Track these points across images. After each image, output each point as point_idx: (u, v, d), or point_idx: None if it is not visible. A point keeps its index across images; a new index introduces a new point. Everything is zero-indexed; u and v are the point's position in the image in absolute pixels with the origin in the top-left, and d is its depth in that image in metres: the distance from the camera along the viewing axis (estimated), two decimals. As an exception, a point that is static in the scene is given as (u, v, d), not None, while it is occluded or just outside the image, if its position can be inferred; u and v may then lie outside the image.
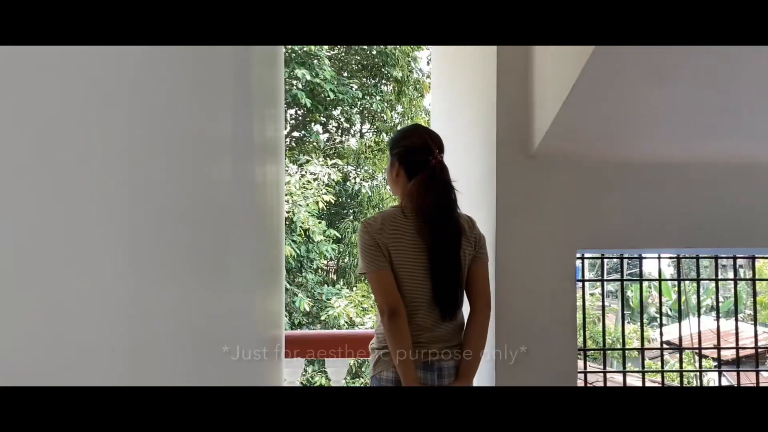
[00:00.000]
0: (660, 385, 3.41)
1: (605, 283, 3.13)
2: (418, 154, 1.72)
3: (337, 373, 2.65)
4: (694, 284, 3.68)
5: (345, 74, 9.75)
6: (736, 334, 2.98)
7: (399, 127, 9.91)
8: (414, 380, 1.66)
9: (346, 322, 7.58)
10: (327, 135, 10.06)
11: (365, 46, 9.28)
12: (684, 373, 2.98)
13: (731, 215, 2.14)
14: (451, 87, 2.96)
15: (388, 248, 1.67)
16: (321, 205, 8.12)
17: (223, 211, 1.21)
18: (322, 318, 8.23)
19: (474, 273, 1.77)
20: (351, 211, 9.62)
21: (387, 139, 1.59)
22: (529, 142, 2.08)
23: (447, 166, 1.75)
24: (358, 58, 9.66)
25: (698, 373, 3.26)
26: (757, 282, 3.16)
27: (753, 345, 2.99)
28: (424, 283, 1.69)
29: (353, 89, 9.17)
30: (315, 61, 8.75)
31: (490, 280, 1.96)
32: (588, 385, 3.26)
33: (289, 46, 8.29)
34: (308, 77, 8.33)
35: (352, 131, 10.41)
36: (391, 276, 1.67)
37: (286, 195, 7.52)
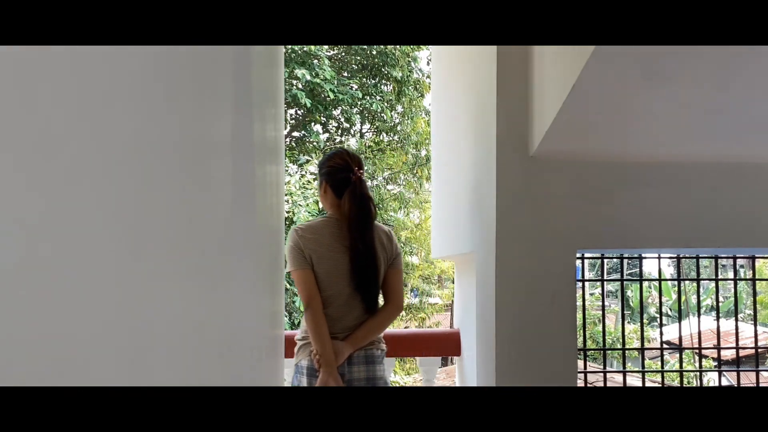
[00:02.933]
0: (660, 385, 3.41)
1: (605, 283, 3.13)
2: (340, 172, 2.03)
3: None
4: (694, 284, 3.68)
5: (345, 74, 9.74)
6: (736, 334, 2.98)
7: (399, 127, 9.94)
8: (332, 361, 1.92)
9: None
10: (327, 135, 10.06)
11: (365, 46, 9.28)
12: (684, 373, 2.99)
13: (731, 215, 2.14)
14: (451, 87, 2.96)
15: (311, 252, 1.97)
16: (321, 205, 8.11)
17: (223, 212, 1.21)
18: (322, 318, 8.18)
19: (389, 277, 2.06)
20: (351, 211, 9.58)
21: (317, 164, 2.09)
22: (528, 143, 2.08)
23: (365, 181, 2.06)
24: (358, 58, 9.65)
25: (698, 373, 3.26)
26: (757, 282, 3.16)
27: (753, 345, 2.99)
28: (344, 281, 1.98)
29: (353, 89, 9.17)
30: (315, 61, 8.74)
31: (490, 279, 1.97)
32: (588, 385, 3.26)
33: (289, 46, 8.29)
34: (308, 77, 8.33)
35: (352, 131, 10.41)
36: (310, 275, 1.97)
37: (286, 195, 7.51)
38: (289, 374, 2.62)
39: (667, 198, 2.12)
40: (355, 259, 1.97)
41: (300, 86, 8.60)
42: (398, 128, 10.00)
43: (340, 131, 10.24)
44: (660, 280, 3.03)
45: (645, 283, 7.56)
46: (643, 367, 2.91)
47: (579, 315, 2.50)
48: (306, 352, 2.00)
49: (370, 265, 1.99)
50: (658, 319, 3.85)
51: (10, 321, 0.46)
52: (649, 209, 2.11)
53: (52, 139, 0.52)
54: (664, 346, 3.43)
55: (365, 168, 2.18)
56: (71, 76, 0.56)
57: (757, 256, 2.95)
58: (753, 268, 3.18)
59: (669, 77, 1.63)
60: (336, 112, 9.62)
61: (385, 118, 9.71)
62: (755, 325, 3.01)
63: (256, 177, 1.68)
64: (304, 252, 1.97)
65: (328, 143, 9.89)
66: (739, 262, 3.42)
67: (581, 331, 2.85)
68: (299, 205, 7.84)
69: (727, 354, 6.09)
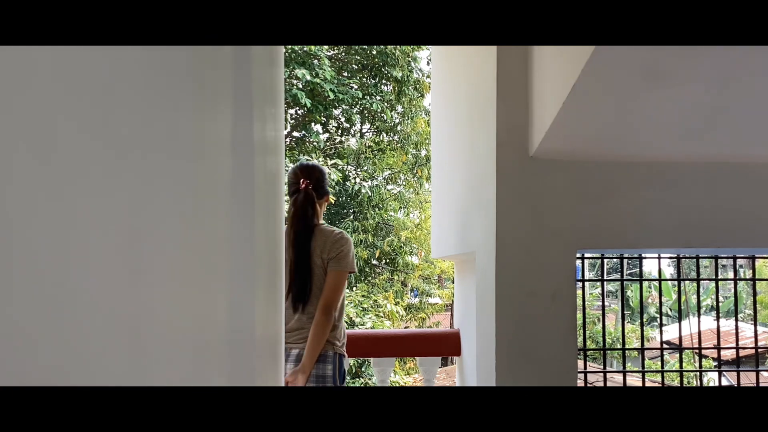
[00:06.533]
0: (660, 385, 3.41)
1: (605, 283, 3.13)
2: (293, 185, 2.30)
3: (337, 373, 2.65)
4: (694, 284, 3.67)
5: (345, 74, 9.74)
6: (736, 334, 2.98)
7: (399, 127, 9.95)
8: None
9: (346, 322, 7.56)
10: (327, 135, 10.06)
11: (365, 46, 9.28)
12: (684, 373, 2.98)
13: (731, 215, 2.14)
14: (451, 87, 2.96)
15: None
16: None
17: (222, 211, 1.21)
18: (322, 318, 8.19)
19: (326, 278, 2.19)
20: (351, 211, 9.61)
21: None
22: (528, 143, 2.08)
23: (310, 190, 2.25)
24: (358, 58, 9.65)
25: (698, 373, 3.26)
26: (757, 282, 3.16)
27: (753, 345, 2.99)
28: (288, 284, 2.15)
29: (353, 89, 9.16)
30: (315, 61, 8.74)
31: (490, 279, 1.97)
32: (588, 385, 3.26)
33: (289, 46, 8.29)
34: (308, 77, 8.32)
35: (352, 131, 10.40)
36: None
37: (286, 195, 7.50)
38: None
39: (667, 198, 2.12)
40: (294, 261, 2.18)
41: (300, 86, 8.60)
42: (398, 128, 10.00)
43: (340, 131, 10.24)
44: (660, 280, 3.03)
45: (645, 283, 7.55)
46: (643, 367, 2.91)
47: (579, 315, 2.50)
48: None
49: (303, 265, 2.18)
50: (658, 319, 3.84)
51: (9, 321, 0.46)
52: (649, 209, 2.11)
53: (50, 138, 0.52)
54: (664, 346, 3.43)
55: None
56: (70, 76, 0.56)
57: (757, 256, 2.95)
58: (753, 268, 3.18)
59: (669, 77, 1.63)
60: (336, 112, 9.62)
61: (385, 118, 9.71)
62: (755, 325, 3.01)
63: (256, 177, 1.68)
64: None
65: (328, 143, 9.89)
66: (739, 262, 3.42)
67: (581, 331, 2.85)
68: (299, 205, 7.80)
69: (727, 354, 6.08)
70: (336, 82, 8.82)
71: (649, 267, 14.87)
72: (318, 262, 2.18)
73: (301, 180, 2.27)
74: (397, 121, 10.00)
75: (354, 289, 8.74)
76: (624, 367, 2.87)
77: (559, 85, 1.75)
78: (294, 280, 2.17)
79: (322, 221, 2.31)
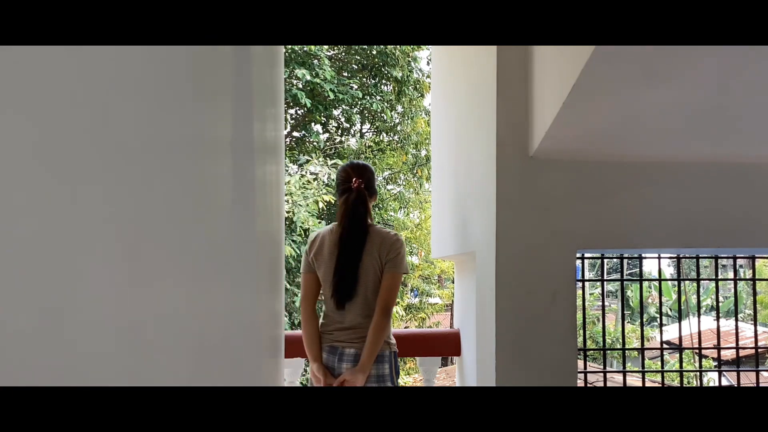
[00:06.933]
0: (660, 385, 3.41)
1: (605, 283, 3.13)
2: (343, 184, 2.24)
3: (337, 373, 2.65)
4: (694, 284, 3.67)
5: (345, 74, 9.74)
6: (736, 334, 2.98)
7: (399, 127, 9.95)
8: (317, 358, 2.15)
9: None
10: (327, 135, 10.06)
11: (365, 46, 9.27)
12: (684, 373, 2.99)
13: (731, 215, 2.14)
14: (451, 87, 2.96)
15: (314, 257, 2.21)
16: (321, 205, 8.12)
17: (223, 211, 1.21)
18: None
19: (382, 281, 2.16)
20: (351, 211, 9.57)
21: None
22: (529, 143, 2.08)
23: (363, 189, 2.20)
24: (358, 58, 9.65)
25: (698, 373, 3.26)
26: (757, 282, 3.16)
27: (753, 345, 2.99)
28: (332, 280, 2.16)
29: (353, 89, 9.16)
30: (315, 61, 8.74)
31: (490, 279, 1.97)
32: (588, 385, 3.26)
33: (289, 46, 8.29)
34: (308, 77, 8.32)
35: (352, 131, 10.40)
36: (311, 278, 2.22)
37: (286, 195, 7.51)
38: (289, 374, 2.63)
39: (667, 198, 2.12)
40: (338, 259, 2.15)
41: (300, 86, 8.60)
42: (398, 128, 10.00)
43: (340, 131, 10.24)
44: (660, 280, 3.03)
45: (645, 283, 7.55)
46: (643, 367, 2.91)
47: (579, 315, 2.50)
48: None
49: (351, 264, 2.15)
50: (658, 319, 3.84)
51: (9, 321, 0.46)
52: (649, 209, 2.11)
53: (52, 138, 0.52)
54: (664, 346, 3.43)
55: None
56: (72, 76, 0.56)
57: (757, 256, 2.95)
58: (753, 268, 3.18)
59: (669, 77, 1.62)
60: (336, 112, 9.62)
61: (385, 118, 9.71)
62: (755, 325, 3.01)
63: (256, 177, 1.68)
64: (308, 256, 2.23)
65: (328, 143, 9.89)
66: (739, 262, 3.42)
67: (581, 331, 2.85)
68: (299, 205, 7.83)
69: (727, 354, 6.09)
70: (336, 82, 8.82)
71: (649, 267, 14.88)
72: (372, 262, 2.15)
73: (354, 179, 2.21)
74: (397, 121, 10.00)
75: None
76: (624, 367, 2.88)
77: (559, 85, 1.75)
78: (341, 277, 2.15)
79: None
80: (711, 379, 6.39)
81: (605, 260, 2.95)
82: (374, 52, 9.30)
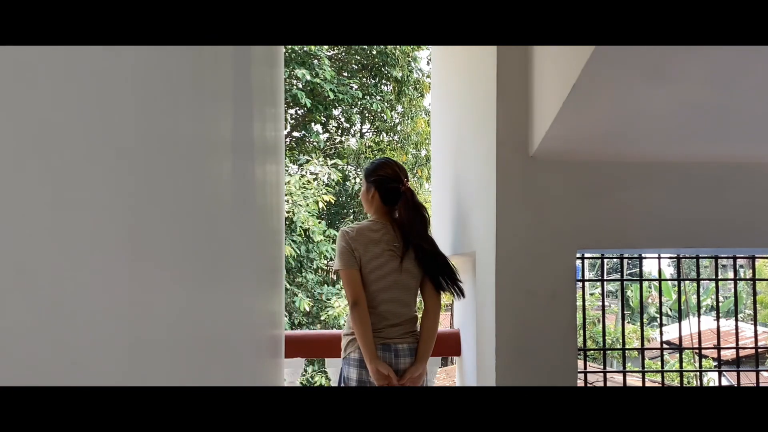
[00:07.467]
0: (660, 385, 3.41)
1: (605, 283, 3.13)
2: (390, 182, 2.22)
3: (337, 373, 2.66)
4: (694, 284, 3.67)
5: (345, 74, 9.74)
6: (736, 334, 2.98)
7: (399, 127, 9.95)
8: (374, 356, 2.11)
9: (346, 322, 7.54)
10: (327, 135, 10.06)
11: (365, 46, 9.28)
12: (684, 373, 2.99)
13: (731, 215, 2.14)
14: (452, 87, 2.96)
15: (360, 253, 2.14)
16: (321, 205, 8.13)
17: (223, 211, 1.21)
18: (322, 318, 8.22)
19: (425, 283, 2.25)
20: (351, 211, 9.62)
21: (364, 168, 2.24)
22: (528, 143, 2.08)
23: (414, 191, 2.22)
24: (358, 58, 9.65)
25: (698, 373, 3.26)
26: (757, 282, 3.16)
27: (753, 345, 2.99)
28: (391, 281, 2.16)
29: (353, 89, 9.16)
30: (315, 61, 8.74)
31: (490, 279, 1.97)
32: (588, 385, 3.26)
33: (289, 46, 8.29)
34: (308, 77, 8.32)
35: (352, 131, 10.41)
36: (358, 274, 2.15)
37: (286, 195, 7.52)
38: (289, 374, 2.63)
39: (667, 198, 2.12)
40: (422, 258, 2.19)
41: (300, 86, 8.60)
42: (398, 128, 10.00)
43: (340, 131, 10.24)
44: (660, 280, 3.03)
45: (645, 283, 7.55)
46: (643, 367, 2.91)
47: (579, 315, 2.50)
48: (355, 345, 2.17)
49: (438, 253, 2.22)
50: (658, 319, 3.84)
51: (9, 321, 0.46)
52: (649, 209, 2.11)
53: (51, 139, 0.52)
54: (664, 346, 3.43)
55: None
56: (71, 76, 0.56)
57: (757, 256, 2.95)
58: (753, 268, 3.18)
59: (669, 77, 1.62)
60: (336, 112, 9.62)
61: (385, 118, 9.72)
62: (755, 325, 3.01)
63: (256, 177, 1.68)
64: (354, 252, 2.15)
65: (328, 143, 9.89)
66: (739, 262, 3.42)
67: (581, 331, 2.85)
68: (299, 205, 7.84)
69: (727, 354, 6.09)
70: (336, 82, 8.82)
71: (649, 267, 14.87)
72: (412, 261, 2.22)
73: (405, 180, 2.25)
74: (397, 121, 10.00)
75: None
76: (624, 367, 2.87)
77: (559, 85, 1.75)
78: (432, 269, 2.22)
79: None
80: (711, 379, 6.39)
81: (605, 260, 2.95)
82: (374, 52, 9.31)
